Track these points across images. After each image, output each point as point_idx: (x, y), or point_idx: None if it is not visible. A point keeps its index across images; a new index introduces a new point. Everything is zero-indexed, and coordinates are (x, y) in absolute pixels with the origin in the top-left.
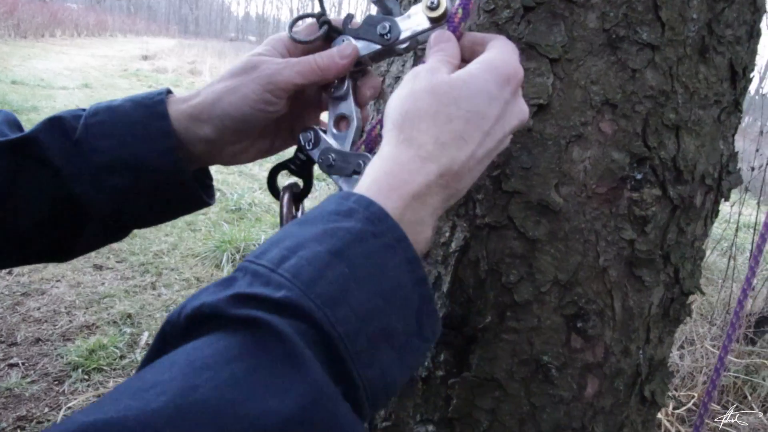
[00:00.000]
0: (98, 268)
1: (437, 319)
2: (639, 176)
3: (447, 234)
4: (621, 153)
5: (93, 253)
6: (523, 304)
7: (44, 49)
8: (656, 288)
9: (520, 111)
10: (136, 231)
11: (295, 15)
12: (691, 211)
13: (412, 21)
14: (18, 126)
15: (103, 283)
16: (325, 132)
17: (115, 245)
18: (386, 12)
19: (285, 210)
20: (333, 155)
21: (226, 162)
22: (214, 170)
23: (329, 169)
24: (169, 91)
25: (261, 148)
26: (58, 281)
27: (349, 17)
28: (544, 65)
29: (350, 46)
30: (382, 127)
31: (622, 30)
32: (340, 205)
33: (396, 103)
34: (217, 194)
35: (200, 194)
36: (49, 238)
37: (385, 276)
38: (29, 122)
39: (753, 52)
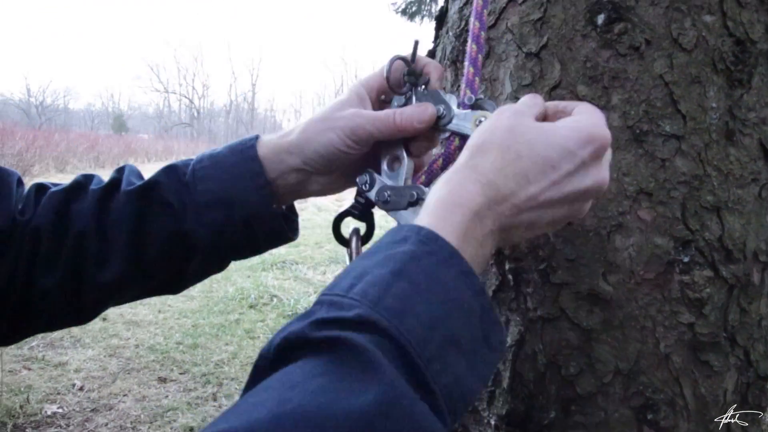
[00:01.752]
0: (162, 380)
1: (502, 329)
2: (686, 259)
3: None
4: (664, 238)
5: (157, 366)
6: (587, 397)
7: None
8: (728, 373)
9: (599, 175)
10: (197, 341)
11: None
12: (750, 290)
13: (462, 121)
14: (140, 176)
15: (167, 396)
16: (379, 174)
17: (178, 356)
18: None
19: (354, 254)
20: (388, 192)
21: (317, 192)
22: (271, 277)
23: (385, 205)
24: (258, 137)
25: (350, 180)
26: (125, 395)
27: (425, 80)
28: None
29: (429, 112)
30: (443, 161)
31: (645, 125)
32: (395, 235)
33: (475, 134)
34: (273, 300)
35: (285, 228)
36: (165, 271)
37: (444, 287)
38: None
39: None
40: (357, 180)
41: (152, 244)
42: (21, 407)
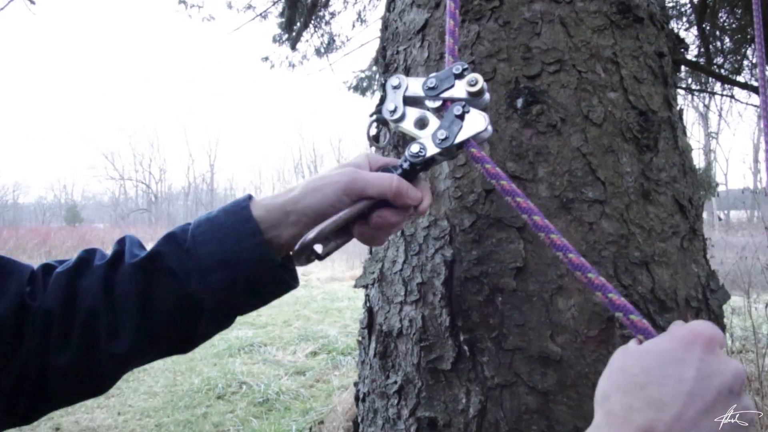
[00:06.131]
0: None
1: None
2: None
3: (464, 400)
4: None
5: None
6: None
7: None
8: None
9: (726, 367)
10: None
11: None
12: None
13: (454, 90)
14: (141, 246)
15: None
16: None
17: None
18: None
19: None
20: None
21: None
22: (239, 362)
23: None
24: (250, 197)
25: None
26: None
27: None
28: (513, 233)
29: (425, 203)
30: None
31: (570, 193)
32: None
33: (599, 384)
34: (243, 388)
35: (285, 278)
36: (175, 335)
37: None
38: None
39: (693, 185)
40: (409, 150)
41: (160, 311)
42: None
